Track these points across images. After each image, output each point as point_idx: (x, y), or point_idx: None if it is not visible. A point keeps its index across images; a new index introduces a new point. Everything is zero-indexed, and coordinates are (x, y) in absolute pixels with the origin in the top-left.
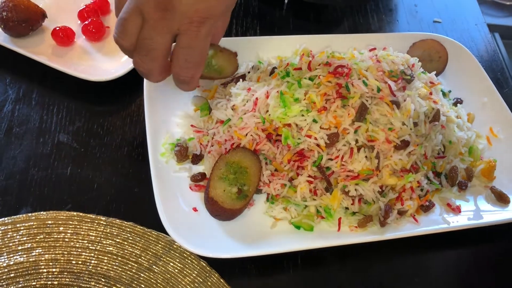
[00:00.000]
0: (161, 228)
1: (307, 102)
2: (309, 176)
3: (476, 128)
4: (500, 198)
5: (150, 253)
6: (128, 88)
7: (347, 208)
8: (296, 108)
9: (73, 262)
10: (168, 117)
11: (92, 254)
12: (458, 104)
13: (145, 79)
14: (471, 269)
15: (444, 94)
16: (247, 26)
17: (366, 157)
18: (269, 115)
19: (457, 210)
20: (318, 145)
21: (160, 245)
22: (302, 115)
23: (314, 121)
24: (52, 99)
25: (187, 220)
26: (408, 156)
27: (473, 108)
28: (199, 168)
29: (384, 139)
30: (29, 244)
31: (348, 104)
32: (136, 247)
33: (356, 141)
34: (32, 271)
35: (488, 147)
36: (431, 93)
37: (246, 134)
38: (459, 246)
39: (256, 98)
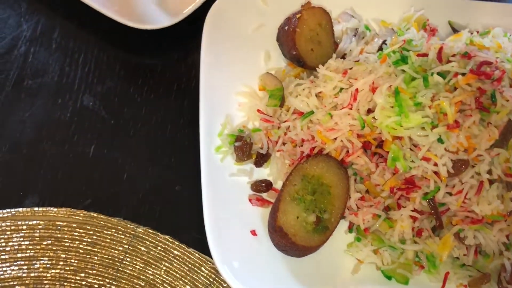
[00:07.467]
0: (204, 244)
1: (433, 112)
2: (415, 210)
3: None
4: None
5: (187, 281)
6: (180, 40)
7: (457, 258)
8: (416, 118)
9: (86, 286)
10: (229, 93)
11: (110, 278)
12: None
13: (204, 37)
14: None
15: None
16: None
17: (498, 196)
18: (374, 119)
19: None
20: (436, 173)
21: (203, 274)
22: (423, 129)
23: (440, 140)
24: (78, 43)
25: (241, 246)
26: None
27: None
28: (263, 173)
29: None
30: (32, 252)
31: (490, 120)
32: (161, 268)
33: (490, 173)
34: None
35: None
36: None
37: (335, 139)
38: None
39: (356, 90)
